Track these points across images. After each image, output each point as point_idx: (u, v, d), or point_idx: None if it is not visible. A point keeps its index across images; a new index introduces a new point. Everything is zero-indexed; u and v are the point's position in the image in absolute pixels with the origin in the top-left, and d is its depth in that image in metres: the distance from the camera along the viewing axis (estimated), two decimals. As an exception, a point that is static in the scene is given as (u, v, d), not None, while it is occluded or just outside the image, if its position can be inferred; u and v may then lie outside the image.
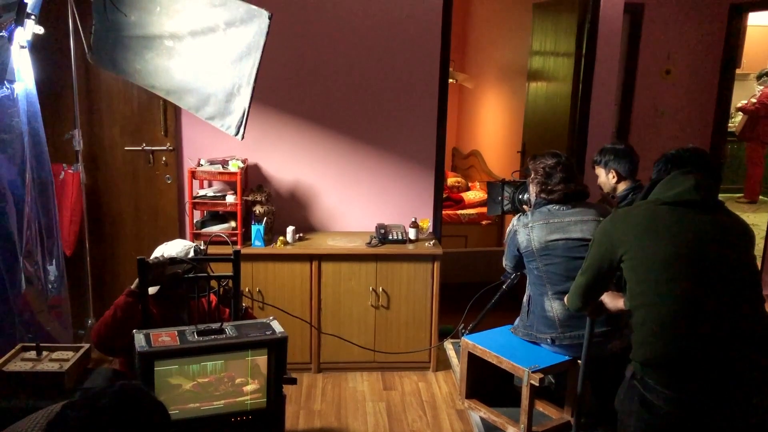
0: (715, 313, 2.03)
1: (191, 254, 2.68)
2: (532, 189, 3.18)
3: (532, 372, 2.94)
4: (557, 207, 3.07)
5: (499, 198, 3.50)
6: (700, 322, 2.03)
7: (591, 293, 2.44)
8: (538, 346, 3.15)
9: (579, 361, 2.91)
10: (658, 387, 2.05)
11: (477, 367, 3.35)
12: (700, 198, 2.12)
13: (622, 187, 3.34)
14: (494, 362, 3.15)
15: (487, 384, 3.44)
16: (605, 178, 3.39)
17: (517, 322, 3.32)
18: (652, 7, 5.44)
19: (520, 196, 3.43)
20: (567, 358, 3.06)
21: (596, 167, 3.44)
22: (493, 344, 3.23)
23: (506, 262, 3.30)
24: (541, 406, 3.37)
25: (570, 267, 2.95)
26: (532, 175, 3.16)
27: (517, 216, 3.21)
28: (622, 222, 2.23)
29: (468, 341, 3.31)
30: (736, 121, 7.51)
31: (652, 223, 2.14)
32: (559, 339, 3.02)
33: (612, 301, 2.52)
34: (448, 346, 4.24)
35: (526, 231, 3.07)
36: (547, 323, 3.05)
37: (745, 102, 7.29)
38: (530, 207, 3.24)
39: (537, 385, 2.94)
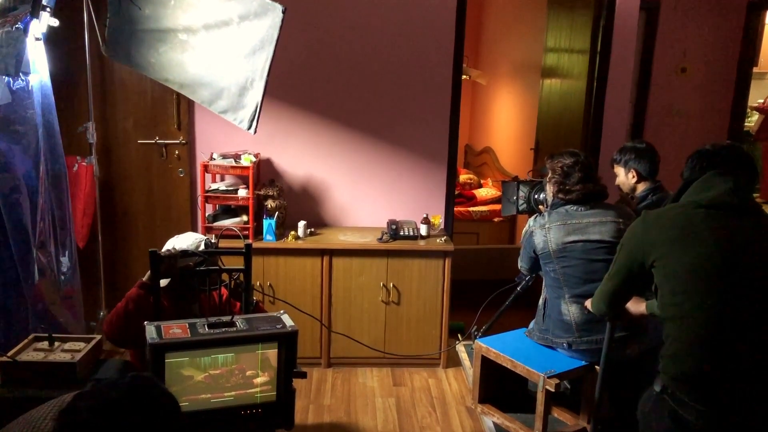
0: (754, 327, 1.93)
1: (202, 247, 2.68)
2: (549, 189, 3.08)
3: (548, 377, 2.85)
4: (575, 208, 2.97)
5: (514, 198, 3.42)
6: (737, 336, 1.93)
7: (618, 299, 2.34)
8: (553, 351, 3.07)
9: (596, 367, 2.83)
10: (692, 402, 1.96)
11: (490, 370, 3.26)
12: (737, 201, 2.00)
13: (642, 187, 3.27)
14: (508, 366, 3.07)
15: (501, 388, 3.35)
16: (625, 177, 3.31)
17: (532, 325, 3.23)
18: (668, 4, 5.37)
19: (536, 196, 3.34)
20: (584, 363, 2.98)
21: (615, 166, 3.34)
22: (507, 348, 3.14)
23: (521, 264, 3.20)
24: (556, 412, 3.29)
25: (588, 269, 2.88)
26: (550, 174, 3.05)
27: (533, 217, 3.11)
28: (654, 226, 2.09)
29: (481, 344, 3.22)
30: (753, 120, 7.43)
31: (686, 229, 2.01)
32: (576, 343, 2.93)
33: (634, 305, 2.45)
34: (461, 348, 4.19)
35: (543, 232, 2.98)
36: (563, 327, 2.97)
37: (762, 101, 7.21)
38: (546, 207, 3.15)
39: (553, 390, 2.84)
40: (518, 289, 3.54)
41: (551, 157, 3.10)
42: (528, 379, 3.08)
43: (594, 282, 2.80)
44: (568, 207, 2.99)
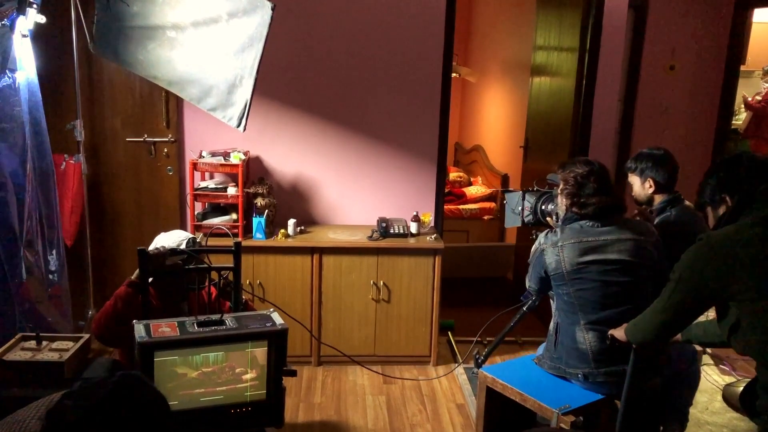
0: None
1: (183, 246, 2.65)
2: (561, 201, 2.74)
3: (563, 414, 2.53)
4: (590, 223, 2.64)
5: (519, 208, 3.13)
6: None
7: (672, 332, 2.15)
8: (567, 382, 2.74)
9: (616, 401, 2.60)
10: None
11: (493, 399, 2.92)
12: None
13: (660, 198, 3.02)
14: (517, 400, 2.73)
15: (506, 420, 3.00)
16: (640, 188, 3.06)
17: (541, 351, 2.91)
18: (656, 2, 5.40)
19: (543, 207, 3.04)
20: (601, 396, 2.66)
21: (630, 175, 3.10)
22: (515, 378, 2.79)
23: (530, 284, 2.88)
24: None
25: (606, 293, 2.59)
26: (562, 186, 2.73)
27: (544, 233, 2.78)
28: (725, 251, 1.83)
29: (486, 374, 2.86)
30: (741, 118, 7.48)
31: None
32: (592, 375, 2.62)
33: None
34: (459, 371, 3.99)
35: (556, 251, 2.64)
36: (578, 356, 2.65)
37: (750, 98, 7.25)
38: (556, 220, 2.86)
39: (568, 429, 2.53)
40: (524, 309, 3.22)
41: (563, 167, 2.79)
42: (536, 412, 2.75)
43: (612, 308, 2.60)
44: (582, 222, 2.67)
